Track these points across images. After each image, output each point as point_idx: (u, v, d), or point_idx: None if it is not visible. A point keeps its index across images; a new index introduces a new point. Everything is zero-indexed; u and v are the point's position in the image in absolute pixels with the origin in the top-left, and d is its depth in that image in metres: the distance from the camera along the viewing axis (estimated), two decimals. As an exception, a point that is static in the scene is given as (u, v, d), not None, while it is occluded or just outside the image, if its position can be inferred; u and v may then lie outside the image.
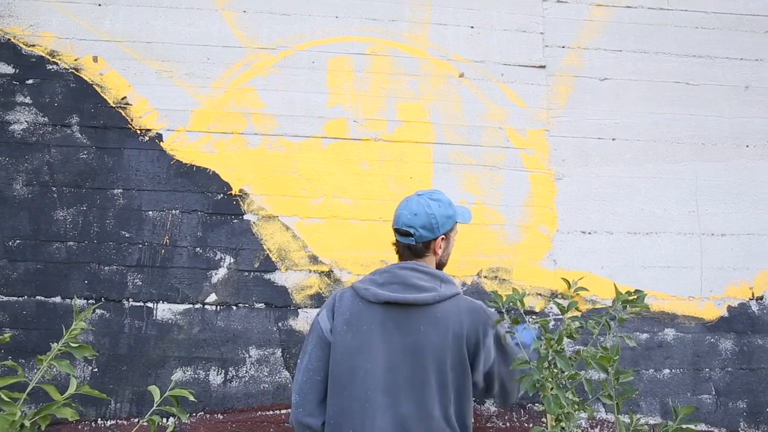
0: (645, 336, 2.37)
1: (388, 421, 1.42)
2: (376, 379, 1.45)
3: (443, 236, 1.63)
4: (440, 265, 1.70)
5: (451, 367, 1.48)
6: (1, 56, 2.35)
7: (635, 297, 1.56)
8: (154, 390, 1.37)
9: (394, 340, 1.48)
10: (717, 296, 2.42)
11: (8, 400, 1.10)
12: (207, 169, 2.35)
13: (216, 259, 2.29)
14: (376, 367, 1.46)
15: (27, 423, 1.12)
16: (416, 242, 1.59)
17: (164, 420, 2.13)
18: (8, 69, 2.35)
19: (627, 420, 1.86)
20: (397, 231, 1.63)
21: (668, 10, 2.66)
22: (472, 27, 2.55)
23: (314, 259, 2.31)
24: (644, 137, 2.53)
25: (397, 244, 1.67)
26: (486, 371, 1.56)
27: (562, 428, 1.53)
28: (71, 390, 1.26)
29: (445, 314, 1.51)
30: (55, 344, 1.26)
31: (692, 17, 2.67)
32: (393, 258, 1.77)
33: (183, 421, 1.73)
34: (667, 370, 2.35)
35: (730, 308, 2.42)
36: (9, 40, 2.37)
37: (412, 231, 1.57)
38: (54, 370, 1.26)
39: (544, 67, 2.55)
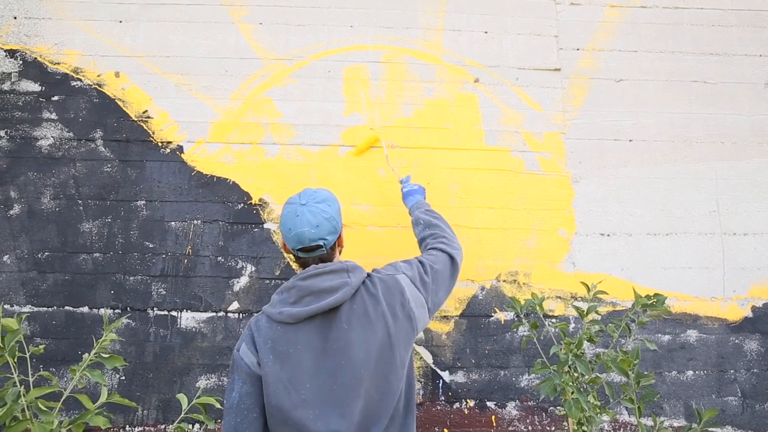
0: (667, 337, 2.35)
1: None
2: (314, 402, 1.39)
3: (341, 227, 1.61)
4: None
5: (392, 347, 1.46)
6: (29, 74, 2.43)
7: (655, 301, 1.56)
8: (182, 398, 1.41)
9: (323, 354, 1.42)
10: (740, 296, 2.39)
11: (45, 409, 1.14)
12: (227, 179, 2.39)
13: (237, 267, 2.33)
14: (313, 388, 1.40)
15: (63, 431, 1.16)
16: (326, 250, 1.54)
17: (191, 426, 2.17)
18: (35, 87, 2.42)
19: (650, 423, 1.85)
20: (302, 250, 1.53)
21: (684, 9, 2.64)
22: (485, 32, 2.57)
23: (334, 266, 2.33)
24: (662, 137, 2.51)
25: (300, 259, 1.56)
26: (428, 309, 1.57)
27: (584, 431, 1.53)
28: (103, 399, 1.30)
29: (364, 303, 1.48)
30: (87, 355, 1.30)
31: (709, 15, 2.64)
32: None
33: (209, 427, 1.77)
34: (690, 372, 2.33)
35: (754, 308, 2.38)
36: (36, 59, 2.44)
37: (321, 243, 1.51)
38: (85, 379, 1.30)
39: (559, 69, 2.55)
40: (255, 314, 1.58)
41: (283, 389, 1.39)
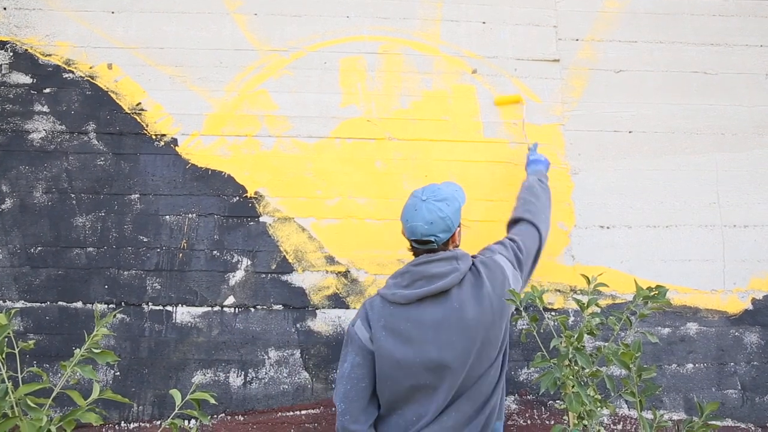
0: (667, 330, 2.33)
1: (447, 408, 1.55)
2: (427, 373, 1.53)
3: (458, 226, 1.73)
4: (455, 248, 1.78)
5: (493, 325, 1.61)
6: (20, 66, 2.39)
7: (656, 293, 1.54)
8: (176, 394, 1.38)
9: (433, 332, 1.56)
10: (741, 289, 2.37)
11: (34, 406, 1.12)
12: (222, 172, 2.36)
13: (233, 261, 2.30)
14: (422, 360, 1.54)
15: (53, 428, 1.13)
16: (437, 245, 1.66)
17: (186, 422, 2.15)
18: (26, 79, 2.38)
19: (650, 416, 1.83)
20: (415, 241, 1.68)
21: (684, -2, 2.61)
22: (483, 23, 2.53)
23: (331, 260, 2.31)
24: (662, 129, 2.49)
25: (414, 249, 1.72)
26: (522, 286, 1.78)
27: (584, 426, 1.51)
28: (95, 395, 1.28)
29: (471, 286, 1.62)
30: (78, 350, 1.28)
31: (709, 4, 2.61)
32: (409, 256, 1.79)
33: (204, 423, 1.75)
34: (690, 365, 2.32)
35: (754, 301, 2.37)
36: (26, 50, 2.40)
37: (432, 239, 1.63)
38: (77, 375, 1.28)
39: (557, 60, 2.52)
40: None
41: (395, 362, 1.55)
